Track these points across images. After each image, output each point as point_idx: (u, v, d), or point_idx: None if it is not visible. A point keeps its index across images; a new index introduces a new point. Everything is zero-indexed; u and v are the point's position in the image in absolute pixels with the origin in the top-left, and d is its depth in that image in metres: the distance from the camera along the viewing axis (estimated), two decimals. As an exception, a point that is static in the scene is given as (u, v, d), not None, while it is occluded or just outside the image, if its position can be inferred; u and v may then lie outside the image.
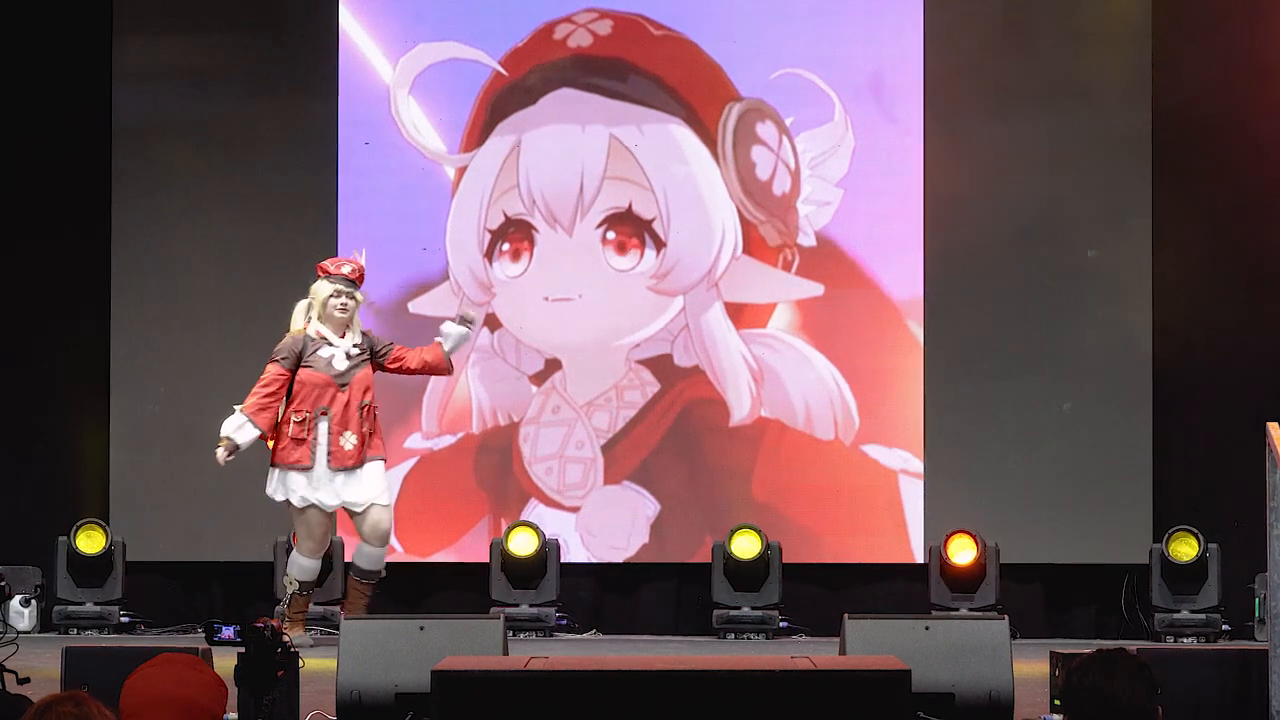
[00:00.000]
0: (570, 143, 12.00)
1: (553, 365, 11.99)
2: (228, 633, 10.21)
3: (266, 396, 9.79)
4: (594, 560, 11.96)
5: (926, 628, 7.19)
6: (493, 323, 12.00)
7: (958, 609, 11.29)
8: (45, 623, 11.64)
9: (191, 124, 12.10)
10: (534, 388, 11.98)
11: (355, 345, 9.89)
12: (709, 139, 11.98)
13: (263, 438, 9.89)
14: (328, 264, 10.05)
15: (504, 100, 12.06)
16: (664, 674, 5.49)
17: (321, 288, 9.93)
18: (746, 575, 11.47)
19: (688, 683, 5.41)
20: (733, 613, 11.43)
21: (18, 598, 11.44)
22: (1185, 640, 11.06)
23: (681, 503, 11.87)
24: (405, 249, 12.03)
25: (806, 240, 11.94)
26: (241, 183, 12.09)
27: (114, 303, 12.09)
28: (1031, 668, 8.19)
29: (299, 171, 12.05)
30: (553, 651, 10.19)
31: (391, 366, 10.06)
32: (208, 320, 12.08)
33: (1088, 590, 11.84)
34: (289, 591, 10.09)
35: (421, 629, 7.09)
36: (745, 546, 11.47)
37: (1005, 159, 11.88)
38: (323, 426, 9.78)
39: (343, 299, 9.88)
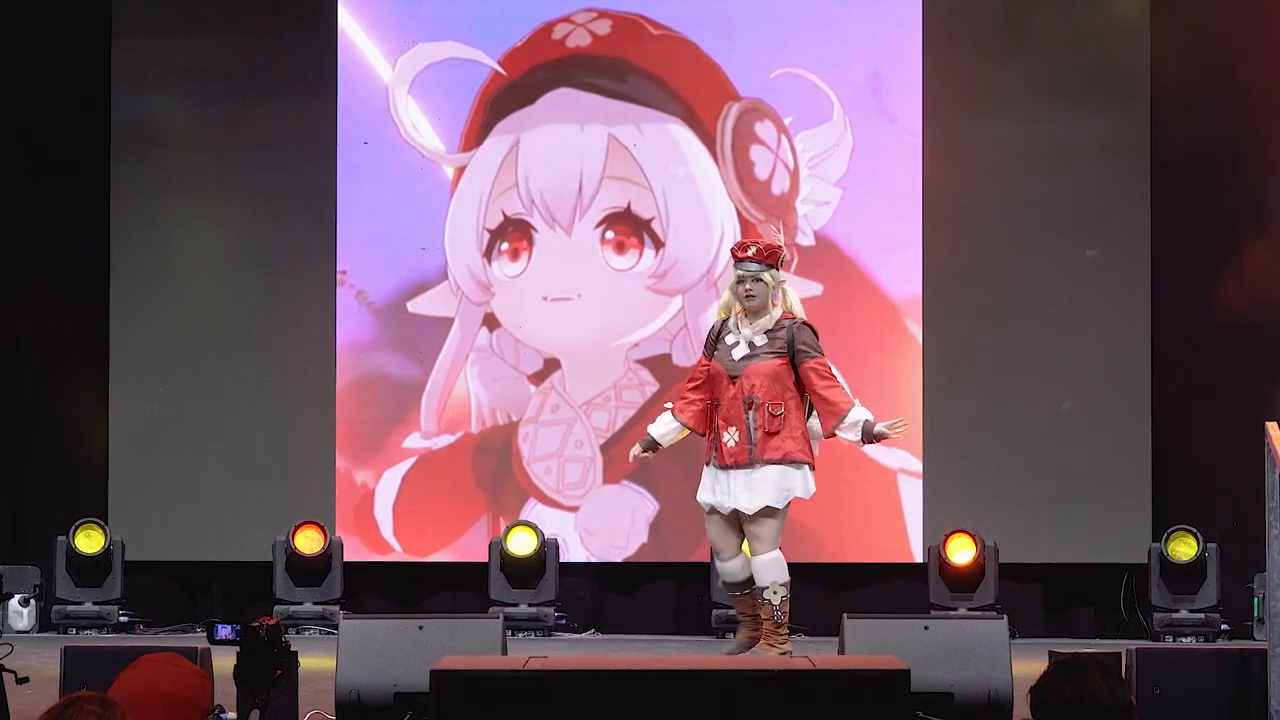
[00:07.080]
0: (569, 142, 12.00)
1: (551, 365, 11.99)
2: (225, 632, 10.23)
3: (690, 389, 8.44)
4: (593, 560, 11.97)
5: (926, 627, 7.20)
6: (491, 322, 12.00)
7: (957, 609, 11.29)
8: (44, 622, 11.64)
9: (191, 124, 12.10)
10: (533, 387, 11.98)
11: (766, 333, 8.32)
12: (708, 139, 11.98)
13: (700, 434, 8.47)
14: (734, 247, 8.54)
15: (503, 100, 12.06)
16: (663, 674, 5.49)
17: (730, 273, 8.47)
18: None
19: (687, 683, 5.41)
20: (732, 612, 11.41)
21: (17, 597, 11.44)
22: (1184, 640, 11.06)
23: (680, 502, 11.85)
24: (404, 248, 12.03)
25: (805, 240, 11.94)
26: (241, 183, 12.09)
27: (114, 303, 12.09)
28: (1030, 667, 8.15)
29: (298, 171, 12.05)
30: (552, 651, 10.19)
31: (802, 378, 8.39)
32: (208, 320, 12.08)
33: (1087, 590, 11.84)
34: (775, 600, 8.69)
35: (420, 628, 7.10)
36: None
37: (1004, 159, 11.88)
38: (718, 421, 8.34)
39: (746, 284, 8.31)
